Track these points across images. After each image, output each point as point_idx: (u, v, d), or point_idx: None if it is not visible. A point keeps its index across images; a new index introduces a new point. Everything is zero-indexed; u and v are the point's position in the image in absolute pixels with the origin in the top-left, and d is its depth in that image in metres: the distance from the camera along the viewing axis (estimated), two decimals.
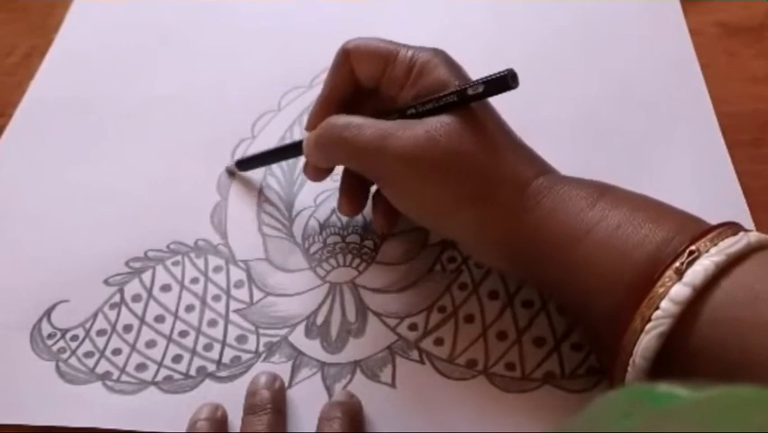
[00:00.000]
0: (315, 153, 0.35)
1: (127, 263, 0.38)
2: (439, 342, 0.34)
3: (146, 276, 0.37)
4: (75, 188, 0.41)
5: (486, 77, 0.30)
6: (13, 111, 0.45)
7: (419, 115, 0.32)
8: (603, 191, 0.30)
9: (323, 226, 0.38)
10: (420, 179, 0.31)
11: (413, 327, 0.34)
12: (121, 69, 0.47)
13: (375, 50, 0.34)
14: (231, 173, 0.41)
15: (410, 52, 0.33)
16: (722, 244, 0.26)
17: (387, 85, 0.34)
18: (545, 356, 0.33)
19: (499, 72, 0.30)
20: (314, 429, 0.32)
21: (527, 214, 0.30)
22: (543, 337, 0.33)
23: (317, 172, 0.37)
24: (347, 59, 0.35)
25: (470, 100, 0.31)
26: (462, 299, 0.35)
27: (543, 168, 0.32)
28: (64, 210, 0.40)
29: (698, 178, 0.38)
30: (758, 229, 0.36)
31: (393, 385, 0.33)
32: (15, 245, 0.39)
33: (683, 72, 0.43)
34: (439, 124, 0.31)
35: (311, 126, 0.36)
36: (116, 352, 0.35)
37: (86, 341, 0.35)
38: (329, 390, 0.33)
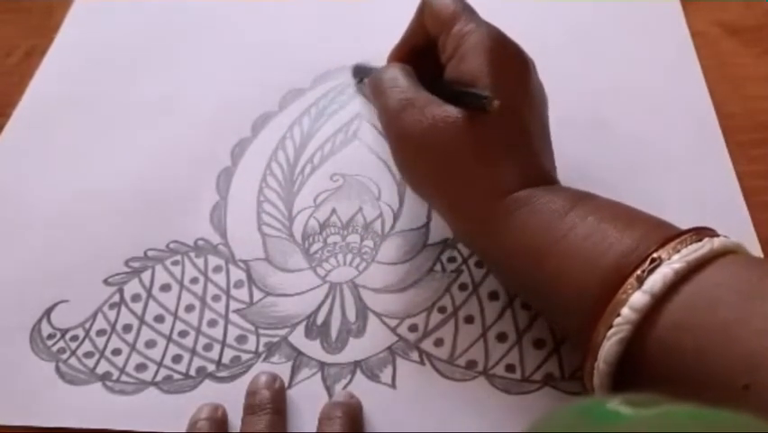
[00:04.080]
0: (369, 92, 0.37)
1: (127, 263, 0.38)
2: (439, 343, 0.34)
3: (146, 276, 0.37)
4: (74, 187, 0.41)
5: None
6: (13, 111, 0.45)
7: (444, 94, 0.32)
8: (576, 201, 0.30)
9: (323, 226, 0.38)
10: (411, 159, 0.33)
11: (413, 328, 0.34)
12: (121, 68, 0.47)
13: (438, 12, 0.34)
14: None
15: (465, 27, 0.32)
16: (684, 251, 0.26)
17: (440, 51, 0.34)
18: (545, 358, 0.33)
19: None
20: (314, 429, 0.32)
21: (498, 226, 0.30)
22: (542, 339, 0.33)
23: None
24: (422, 9, 0.35)
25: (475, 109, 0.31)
26: (462, 300, 0.35)
27: (532, 180, 0.31)
28: (63, 210, 0.40)
29: (697, 178, 0.38)
30: (758, 229, 0.36)
31: (393, 386, 0.33)
32: (15, 245, 0.39)
33: (683, 72, 0.43)
34: (446, 117, 0.31)
35: (388, 59, 0.38)
36: (116, 352, 0.35)
37: (86, 341, 0.35)
38: (329, 390, 0.33)
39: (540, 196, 0.30)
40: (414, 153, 0.33)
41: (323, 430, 0.31)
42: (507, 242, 0.30)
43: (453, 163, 0.31)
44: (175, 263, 0.37)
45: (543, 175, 0.32)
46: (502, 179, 0.31)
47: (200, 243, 0.38)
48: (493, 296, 0.35)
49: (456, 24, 0.33)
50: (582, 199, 0.30)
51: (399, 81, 0.33)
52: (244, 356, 0.34)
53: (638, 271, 0.26)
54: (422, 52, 0.36)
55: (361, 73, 0.43)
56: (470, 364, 0.33)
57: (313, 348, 0.34)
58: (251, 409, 0.32)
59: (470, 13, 0.33)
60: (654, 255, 0.26)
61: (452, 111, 0.31)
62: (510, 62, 0.32)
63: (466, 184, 0.31)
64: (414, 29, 0.36)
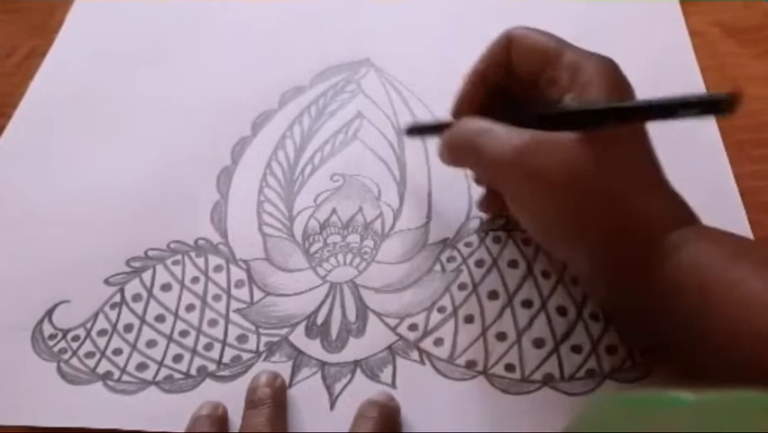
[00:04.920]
0: (447, 156, 0.34)
1: (127, 263, 0.38)
2: (439, 342, 0.34)
3: (146, 275, 0.37)
4: (75, 187, 0.41)
5: (669, 99, 0.28)
6: (13, 111, 0.45)
7: (562, 123, 0.29)
8: (742, 249, 0.28)
9: (323, 226, 0.39)
10: (545, 204, 0.30)
11: (413, 328, 0.34)
12: (121, 69, 0.47)
13: (539, 48, 0.32)
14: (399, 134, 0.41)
15: (576, 57, 0.31)
16: None
17: (545, 85, 0.32)
18: (545, 358, 0.33)
19: (694, 97, 0.27)
20: (314, 429, 0.32)
21: (658, 268, 0.28)
22: (542, 339, 0.34)
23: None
24: (508, 46, 0.33)
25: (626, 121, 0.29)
26: (462, 300, 0.35)
27: (681, 214, 0.29)
28: (64, 210, 0.40)
29: (696, 178, 0.38)
30: (755, 230, 0.36)
31: (393, 385, 0.33)
32: (16, 246, 0.39)
33: (682, 72, 0.43)
34: (578, 147, 0.28)
35: (456, 108, 0.35)
36: (117, 352, 0.35)
37: (87, 341, 0.35)
38: (329, 389, 0.33)
39: (698, 238, 0.28)
40: (551, 198, 0.29)
41: (356, 428, 0.31)
42: (670, 286, 0.28)
43: (603, 199, 0.29)
44: (176, 263, 0.38)
45: (682, 204, 0.30)
46: (656, 212, 0.29)
47: (201, 242, 0.38)
48: (492, 295, 0.35)
49: (565, 56, 0.31)
50: (748, 247, 0.29)
51: (491, 127, 0.31)
52: (245, 356, 0.34)
53: None
54: (497, 89, 0.34)
55: (419, 131, 0.39)
56: (470, 364, 0.33)
57: (313, 348, 0.34)
58: (252, 404, 0.32)
59: (569, 43, 0.32)
60: None
61: (581, 141, 0.28)
62: (627, 86, 0.31)
63: (620, 222, 0.29)
64: (490, 68, 0.33)
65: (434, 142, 0.41)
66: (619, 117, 0.28)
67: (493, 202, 0.36)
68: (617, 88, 0.30)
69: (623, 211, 0.29)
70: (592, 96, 0.29)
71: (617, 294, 0.30)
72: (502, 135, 0.30)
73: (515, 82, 0.33)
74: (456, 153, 0.33)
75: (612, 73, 0.30)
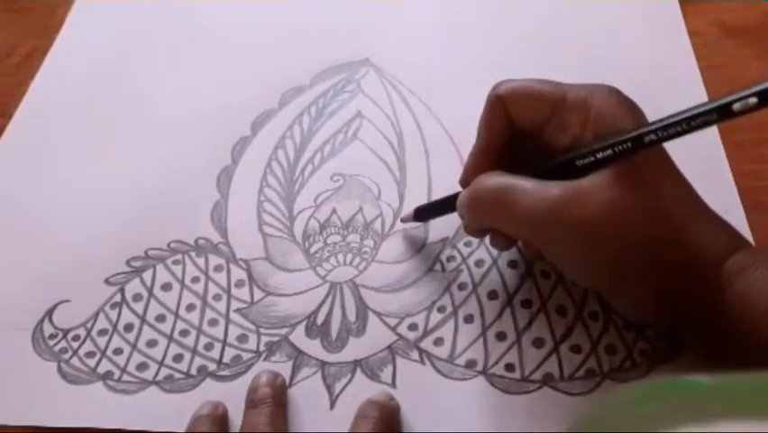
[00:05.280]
0: (469, 216, 0.32)
1: (128, 262, 0.38)
2: (439, 342, 0.34)
3: (147, 275, 0.37)
4: (75, 187, 0.41)
5: (688, 112, 0.26)
6: (14, 111, 0.45)
7: (587, 168, 0.28)
8: None
9: (323, 226, 0.39)
10: (588, 256, 0.29)
11: (413, 327, 0.35)
12: (121, 69, 0.47)
13: (538, 95, 0.30)
14: (404, 221, 0.38)
15: (583, 94, 0.29)
16: None
17: (552, 132, 0.30)
18: (545, 358, 0.33)
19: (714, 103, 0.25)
20: (314, 429, 0.32)
21: (720, 297, 0.27)
22: (542, 338, 0.34)
23: (479, 233, 0.34)
24: (501, 104, 0.31)
25: (645, 146, 0.27)
26: (462, 299, 0.35)
27: (733, 239, 0.29)
28: (64, 210, 0.40)
29: (695, 178, 0.38)
30: (754, 230, 0.36)
31: (393, 385, 0.33)
32: (16, 246, 0.39)
33: (682, 73, 0.43)
34: (613, 191, 0.27)
35: (466, 181, 0.32)
36: (117, 351, 0.35)
37: (88, 341, 0.35)
38: (329, 389, 0.33)
39: (754, 263, 0.27)
40: (595, 249, 0.28)
41: (356, 427, 0.31)
42: (734, 316, 0.27)
43: (651, 238, 0.28)
44: (176, 263, 0.38)
45: (728, 226, 0.29)
46: (707, 241, 0.28)
47: (201, 242, 0.38)
48: (492, 295, 0.35)
49: (567, 96, 0.29)
50: None
51: (513, 183, 0.29)
52: (245, 355, 0.34)
53: None
54: (505, 152, 0.32)
55: (427, 214, 0.37)
56: (470, 364, 0.33)
57: (313, 347, 0.34)
58: (252, 403, 0.32)
59: (565, 84, 0.30)
60: None
61: (609, 181, 0.27)
62: (636, 108, 0.30)
63: (673, 258, 0.28)
64: (490, 133, 0.32)
65: (434, 143, 0.42)
66: (641, 142, 0.27)
67: (498, 241, 0.34)
68: (630, 113, 0.29)
69: (673, 247, 0.28)
70: (608, 128, 0.28)
71: (681, 321, 0.30)
72: (532, 190, 0.29)
73: (519, 136, 0.31)
74: (482, 212, 0.31)
75: (620, 100, 0.29)
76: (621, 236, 0.28)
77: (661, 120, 0.27)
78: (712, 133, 0.40)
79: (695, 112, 0.26)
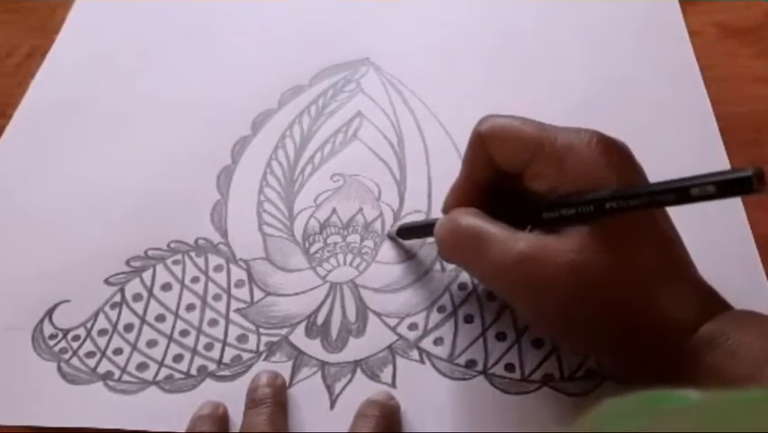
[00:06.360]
0: (442, 250, 0.32)
1: (128, 262, 0.38)
2: (439, 342, 0.34)
3: (147, 275, 0.37)
4: (75, 187, 0.41)
5: (663, 185, 0.25)
6: (14, 111, 0.45)
7: (560, 220, 0.27)
8: None
9: (323, 226, 0.39)
10: (542, 312, 0.28)
11: (413, 327, 0.35)
12: (121, 69, 0.47)
13: (517, 137, 0.29)
14: (391, 237, 0.38)
15: (563, 142, 0.27)
16: None
17: (532, 177, 0.29)
18: (544, 358, 0.33)
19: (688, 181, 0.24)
20: (314, 428, 0.32)
21: (691, 365, 0.26)
22: (541, 339, 0.34)
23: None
24: (482, 142, 0.30)
25: (607, 213, 0.26)
26: (462, 299, 0.35)
27: (703, 305, 0.27)
28: (64, 210, 0.40)
29: None
30: (754, 229, 0.36)
31: (393, 385, 0.33)
32: (16, 246, 0.39)
33: (682, 73, 0.43)
34: (582, 249, 0.26)
35: (445, 212, 0.33)
36: (117, 351, 0.35)
37: (88, 341, 0.35)
38: (329, 389, 0.33)
39: (727, 333, 0.26)
40: (553, 308, 0.27)
41: (356, 427, 0.31)
42: (699, 384, 0.25)
43: (614, 301, 0.27)
44: (176, 263, 0.38)
45: (707, 290, 0.28)
46: (678, 306, 0.27)
47: (201, 242, 0.38)
48: (492, 295, 0.35)
49: (546, 145, 0.28)
50: None
51: (495, 234, 0.28)
52: (245, 355, 0.34)
53: None
54: (488, 187, 0.31)
55: (408, 233, 0.37)
56: (470, 364, 0.33)
57: (313, 348, 0.34)
58: (252, 403, 0.32)
59: (550, 126, 0.29)
60: None
61: (584, 239, 0.26)
62: (625, 160, 0.28)
63: (638, 321, 0.27)
64: (471, 169, 0.31)
65: (434, 143, 0.42)
66: (603, 209, 0.26)
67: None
68: (613, 168, 0.27)
69: (636, 317, 0.27)
70: (587, 182, 0.27)
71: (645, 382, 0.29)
72: (501, 240, 0.28)
73: (504, 174, 0.30)
74: (453, 253, 0.31)
75: (604, 151, 0.27)
76: (581, 302, 0.27)
77: (625, 187, 0.26)
78: (713, 133, 0.40)
79: (659, 188, 0.25)
